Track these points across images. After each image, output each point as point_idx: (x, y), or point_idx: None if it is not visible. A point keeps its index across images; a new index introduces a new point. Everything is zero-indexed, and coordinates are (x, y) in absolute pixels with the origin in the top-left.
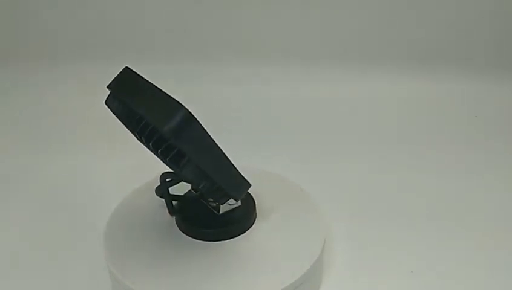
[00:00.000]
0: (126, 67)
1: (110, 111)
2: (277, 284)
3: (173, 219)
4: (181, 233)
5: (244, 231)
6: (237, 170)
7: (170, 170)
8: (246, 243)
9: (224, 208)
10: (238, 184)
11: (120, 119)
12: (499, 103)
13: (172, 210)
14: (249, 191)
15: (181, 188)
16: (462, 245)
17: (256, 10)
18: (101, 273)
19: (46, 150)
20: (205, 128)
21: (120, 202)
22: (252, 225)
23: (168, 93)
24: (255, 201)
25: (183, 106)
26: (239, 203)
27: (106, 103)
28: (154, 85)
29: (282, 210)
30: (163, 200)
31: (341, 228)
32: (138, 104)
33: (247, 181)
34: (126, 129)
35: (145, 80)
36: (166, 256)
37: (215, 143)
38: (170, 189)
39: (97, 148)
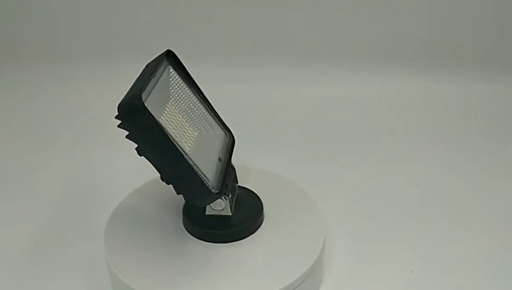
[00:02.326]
0: (169, 50)
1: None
2: (277, 283)
3: (175, 218)
4: (183, 233)
5: (250, 234)
6: (198, 176)
7: None
8: (245, 242)
9: (209, 210)
10: (196, 189)
11: None
12: (499, 103)
13: None
14: (253, 191)
15: None
16: (462, 245)
17: (257, 10)
18: (101, 273)
19: (47, 149)
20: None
21: (121, 201)
22: (258, 229)
23: None
24: (263, 205)
25: (140, 97)
26: (228, 211)
27: None
28: (159, 75)
29: (282, 210)
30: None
31: (340, 228)
32: (135, 82)
33: (210, 190)
34: (135, 147)
35: (163, 66)
36: (167, 256)
37: (171, 141)
38: None
39: (98, 147)
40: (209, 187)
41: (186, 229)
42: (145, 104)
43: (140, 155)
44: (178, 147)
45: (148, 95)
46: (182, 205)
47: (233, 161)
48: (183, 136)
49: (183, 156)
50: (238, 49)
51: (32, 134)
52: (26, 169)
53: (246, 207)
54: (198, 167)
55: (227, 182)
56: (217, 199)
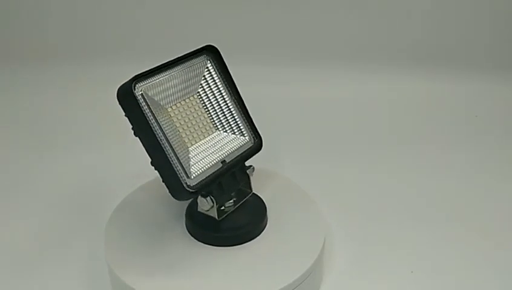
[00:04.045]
0: (210, 45)
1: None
2: (277, 283)
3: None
4: (184, 233)
5: (251, 239)
6: (173, 170)
7: None
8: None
9: (199, 208)
10: (170, 182)
11: None
12: (499, 103)
13: None
14: (258, 196)
15: None
16: (462, 245)
17: (257, 10)
18: (101, 273)
19: (47, 149)
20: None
21: (121, 201)
22: (260, 233)
23: None
24: (267, 213)
25: (132, 82)
26: (214, 214)
27: None
28: (188, 66)
29: (283, 210)
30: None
31: (340, 228)
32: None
33: (183, 187)
34: (130, 127)
35: (198, 59)
36: (167, 256)
37: (152, 131)
38: None
39: (98, 147)
40: (183, 183)
41: (188, 231)
42: (140, 90)
43: (136, 135)
44: (161, 138)
45: (155, 82)
46: (185, 205)
47: None
48: (192, 131)
49: (161, 147)
50: (237, 49)
51: (33, 134)
52: (27, 169)
53: (250, 213)
54: (180, 162)
55: (225, 186)
56: (191, 197)
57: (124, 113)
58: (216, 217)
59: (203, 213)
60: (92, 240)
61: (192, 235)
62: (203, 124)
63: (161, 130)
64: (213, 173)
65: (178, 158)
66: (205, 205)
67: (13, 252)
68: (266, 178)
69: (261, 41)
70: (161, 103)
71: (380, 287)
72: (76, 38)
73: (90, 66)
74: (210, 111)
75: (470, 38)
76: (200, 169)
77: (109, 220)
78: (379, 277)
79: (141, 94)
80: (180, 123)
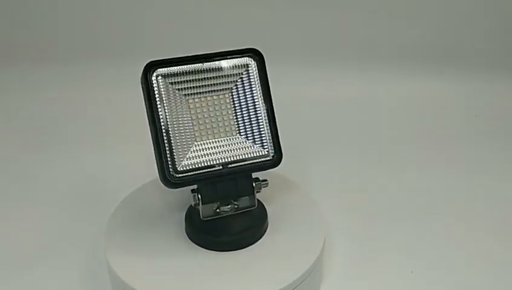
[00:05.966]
0: (254, 49)
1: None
2: (277, 283)
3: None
4: (183, 233)
5: (248, 245)
6: (161, 155)
7: None
8: None
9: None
10: (158, 166)
11: None
12: (499, 103)
13: None
14: (260, 201)
15: None
16: (462, 245)
17: (256, 10)
18: (101, 273)
19: (47, 149)
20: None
21: (122, 201)
22: (261, 237)
23: None
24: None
25: (150, 66)
26: (200, 211)
27: None
28: (227, 64)
29: (282, 210)
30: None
31: (341, 228)
32: None
33: (165, 173)
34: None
35: (240, 60)
36: (168, 256)
37: (153, 114)
38: None
39: (99, 147)
40: (166, 173)
41: (186, 233)
42: (159, 75)
43: None
44: (162, 124)
45: (179, 71)
46: (184, 205)
47: None
48: (208, 127)
49: (157, 134)
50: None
51: (33, 134)
52: (27, 169)
53: (249, 220)
54: (173, 153)
55: (220, 189)
56: (173, 188)
57: None
58: (201, 216)
59: (200, 218)
60: (93, 240)
61: (189, 239)
62: (224, 124)
63: (166, 117)
64: (206, 172)
65: (172, 149)
66: (191, 200)
67: (12, 252)
68: (266, 178)
69: (265, 41)
70: (182, 92)
71: (380, 287)
72: (78, 38)
73: (91, 66)
74: (239, 113)
75: (470, 38)
76: (193, 165)
77: (110, 220)
78: (379, 277)
79: (158, 79)
80: (197, 116)
